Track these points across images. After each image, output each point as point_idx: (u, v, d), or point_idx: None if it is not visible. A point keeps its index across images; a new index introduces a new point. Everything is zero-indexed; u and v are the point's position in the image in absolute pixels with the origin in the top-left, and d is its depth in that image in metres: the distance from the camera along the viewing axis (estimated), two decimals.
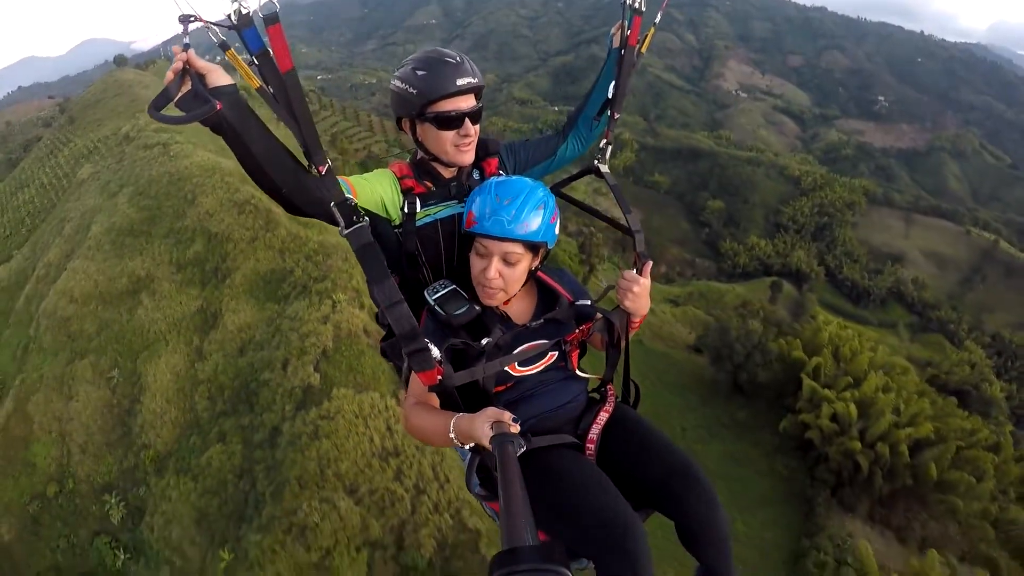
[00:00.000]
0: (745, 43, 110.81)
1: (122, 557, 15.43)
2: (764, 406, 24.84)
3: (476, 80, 1.76)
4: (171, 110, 1.23)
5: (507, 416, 1.43)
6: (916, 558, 19.29)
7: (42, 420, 18.37)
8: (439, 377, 1.57)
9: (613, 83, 2.00)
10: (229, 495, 15.20)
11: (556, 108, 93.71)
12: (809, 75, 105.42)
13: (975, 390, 41.05)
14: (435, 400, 1.67)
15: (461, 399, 1.62)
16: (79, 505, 16.71)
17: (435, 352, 1.53)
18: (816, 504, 20.78)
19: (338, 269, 20.06)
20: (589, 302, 1.88)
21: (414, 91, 1.72)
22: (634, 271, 1.83)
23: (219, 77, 1.31)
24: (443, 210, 1.86)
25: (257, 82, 1.32)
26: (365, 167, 49.39)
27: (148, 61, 72.75)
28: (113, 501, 16.30)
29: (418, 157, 1.90)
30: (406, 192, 1.81)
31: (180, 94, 1.28)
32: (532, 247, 1.71)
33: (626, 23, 1.93)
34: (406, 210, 1.79)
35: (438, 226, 1.84)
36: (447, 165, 1.86)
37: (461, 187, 1.88)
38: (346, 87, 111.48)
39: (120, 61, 67.45)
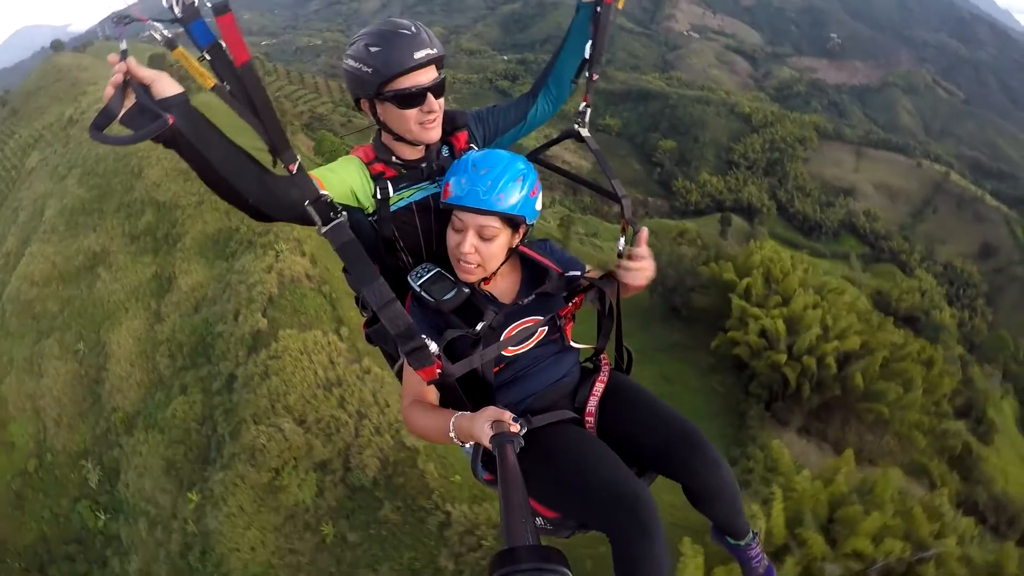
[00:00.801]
0: None
1: (103, 518, 16.80)
2: (701, 329, 24.69)
3: (435, 51, 1.68)
4: (116, 128, 1.14)
5: (507, 416, 1.43)
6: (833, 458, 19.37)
7: (16, 400, 19.99)
8: (438, 371, 1.55)
9: (590, 43, 1.95)
10: (193, 442, 16.61)
11: (506, 57, 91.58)
12: (762, 14, 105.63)
13: (925, 316, 42.12)
14: (432, 396, 1.68)
15: (461, 388, 1.61)
16: (59, 475, 18.12)
17: (433, 347, 1.51)
18: (748, 418, 20.74)
19: (279, 223, 21.82)
20: (579, 272, 1.86)
21: (369, 70, 1.64)
22: (632, 247, 1.81)
23: (166, 86, 1.21)
24: (416, 192, 1.81)
25: (211, 80, 1.21)
26: (311, 128, 49.19)
27: (85, 43, 73.19)
28: (90, 466, 17.71)
29: (382, 138, 1.83)
30: (376, 177, 1.76)
31: (124, 110, 1.17)
32: (510, 222, 1.68)
33: None
34: (378, 196, 1.74)
35: (413, 209, 1.79)
36: (413, 144, 1.80)
37: (432, 166, 1.83)
38: (291, 51, 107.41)
39: (57, 46, 66.62)
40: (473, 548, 14.17)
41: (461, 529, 14.13)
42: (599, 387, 1.88)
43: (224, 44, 1.18)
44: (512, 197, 1.63)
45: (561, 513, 1.83)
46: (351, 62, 1.68)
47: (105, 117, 1.14)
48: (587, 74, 1.99)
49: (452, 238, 1.70)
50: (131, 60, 1.16)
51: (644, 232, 1.84)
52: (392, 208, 1.76)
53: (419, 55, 1.63)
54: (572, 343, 1.89)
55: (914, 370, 23.16)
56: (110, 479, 17.50)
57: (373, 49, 1.63)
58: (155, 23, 1.12)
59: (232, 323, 18.30)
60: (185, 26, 1.14)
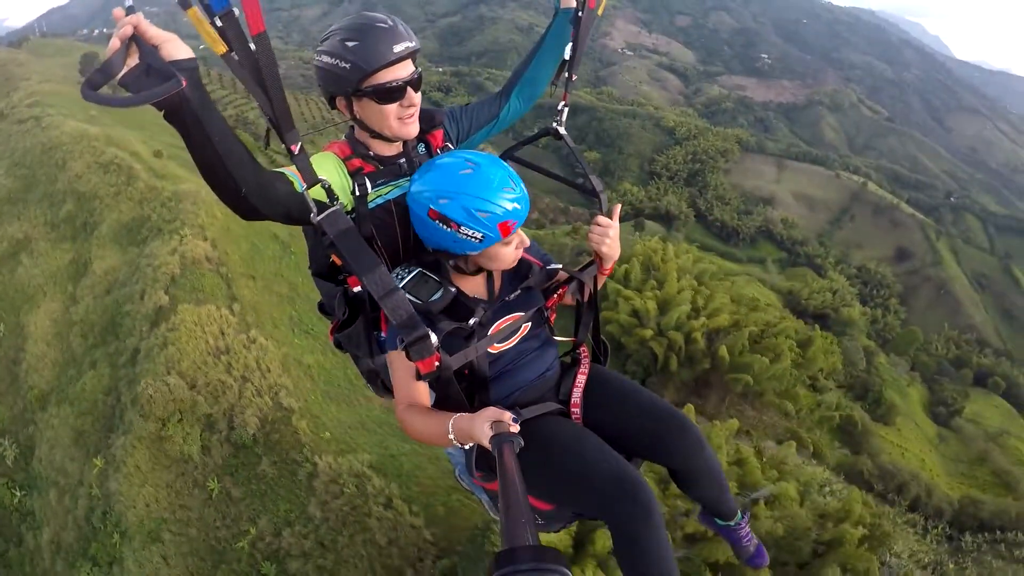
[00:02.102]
0: (634, 3, 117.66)
1: (18, 495, 18.03)
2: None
3: (413, 44, 1.74)
4: (111, 90, 1.11)
5: (507, 416, 1.52)
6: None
7: None
8: (436, 363, 1.63)
9: (570, 45, 2.07)
10: (100, 412, 18.37)
11: (441, 69, 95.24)
12: (696, 35, 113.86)
13: (834, 312, 45.98)
14: (425, 399, 1.78)
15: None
16: None
17: (434, 338, 1.59)
18: None
19: (187, 211, 24.40)
20: (557, 265, 2.02)
21: (347, 65, 1.68)
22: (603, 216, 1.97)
23: (177, 48, 1.18)
24: (395, 190, 1.85)
25: (223, 47, 1.21)
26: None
27: (21, 38, 73.85)
28: (7, 443, 18.96)
29: (357, 135, 1.87)
30: (354, 173, 1.80)
31: (126, 69, 1.13)
32: None
33: None
34: (357, 192, 1.77)
35: (392, 207, 1.83)
36: (391, 141, 1.86)
37: (411, 163, 1.89)
38: None
39: None
40: (336, 496, 15.75)
41: (326, 479, 15.91)
42: (581, 378, 2.00)
43: (237, 12, 1.17)
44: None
45: (557, 504, 1.95)
46: (326, 58, 1.70)
47: (103, 74, 1.08)
48: (566, 75, 2.10)
49: (511, 254, 1.78)
50: (140, 16, 1.12)
51: (617, 207, 1.99)
52: (370, 205, 1.78)
53: (398, 48, 1.67)
54: (556, 337, 2.04)
55: (783, 344, 25.97)
56: (25, 457, 18.86)
57: (350, 44, 1.65)
58: None
59: (138, 302, 20.39)
60: None
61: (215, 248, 22.92)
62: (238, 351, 18.70)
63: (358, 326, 1.95)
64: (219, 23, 1.20)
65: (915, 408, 43.11)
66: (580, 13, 2.03)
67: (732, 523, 2.24)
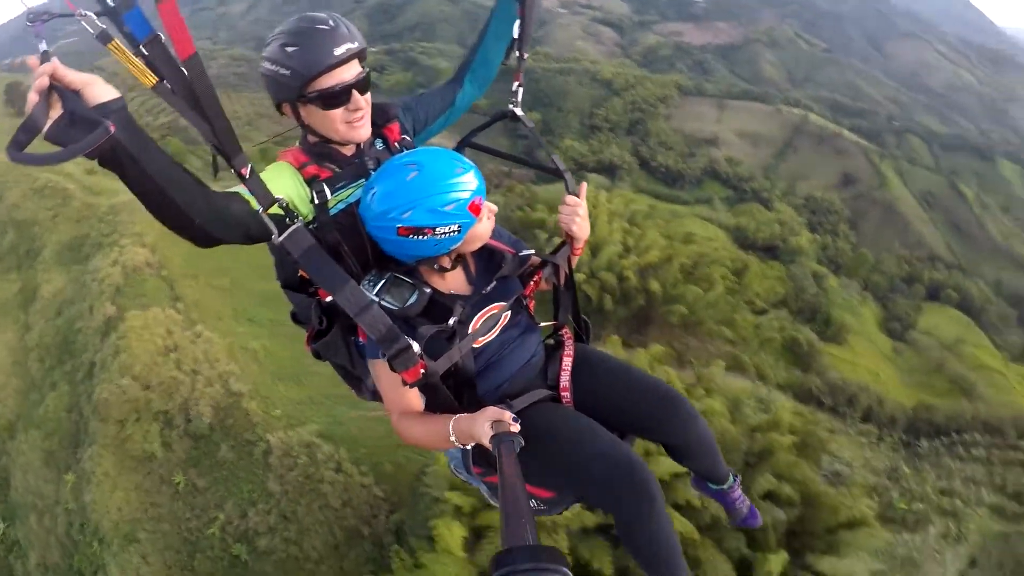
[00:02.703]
0: None
1: (2, 527, 18.77)
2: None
3: (356, 44, 1.72)
4: (39, 147, 1.05)
5: (507, 416, 1.53)
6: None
7: None
8: (422, 371, 1.63)
9: (518, 23, 2.06)
10: (66, 430, 19.34)
11: (375, 49, 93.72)
12: None
13: (783, 243, 47.34)
14: (417, 404, 1.78)
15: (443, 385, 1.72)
16: None
17: (416, 347, 1.60)
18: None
19: (124, 222, 25.54)
20: (530, 251, 2.05)
21: (287, 72, 1.65)
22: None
23: (101, 91, 1.13)
24: (355, 191, 1.84)
25: (152, 79, 1.15)
26: (163, 141, 48.38)
27: None
28: None
29: (309, 140, 1.85)
30: (311, 181, 1.76)
31: (50, 122, 1.07)
32: None
33: None
34: (316, 201, 1.74)
35: (355, 211, 1.81)
36: (342, 144, 1.84)
37: (367, 162, 1.88)
38: None
39: None
40: (291, 468, 17.06)
41: (280, 453, 17.10)
42: (567, 361, 2.03)
43: (165, 35, 1.12)
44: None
45: (557, 491, 1.97)
46: (268, 65, 1.68)
47: (28, 132, 1.03)
48: (517, 54, 2.12)
49: (487, 226, 1.85)
50: (56, 62, 1.04)
51: (583, 185, 2.10)
52: (331, 212, 1.76)
53: (339, 51, 1.65)
54: (537, 323, 2.07)
55: (716, 273, 26.82)
56: (3, 488, 19.64)
57: (290, 49, 1.63)
58: (86, 13, 1.04)
59: (88, 317, 21.58)
60: (120, 15, 1.07)
61: (155, 253, 24.19)
62: (186, 347, 19.91)
63: (335, 334, 1.93)
64: (145, 52, 1.14)
65: (869, 326, 44.96)
66: None
67: (725, 487, 2.29)
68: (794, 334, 31.32)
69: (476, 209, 1.73)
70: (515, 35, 2.11)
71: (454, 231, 1.72)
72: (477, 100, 2.27)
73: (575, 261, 2.14)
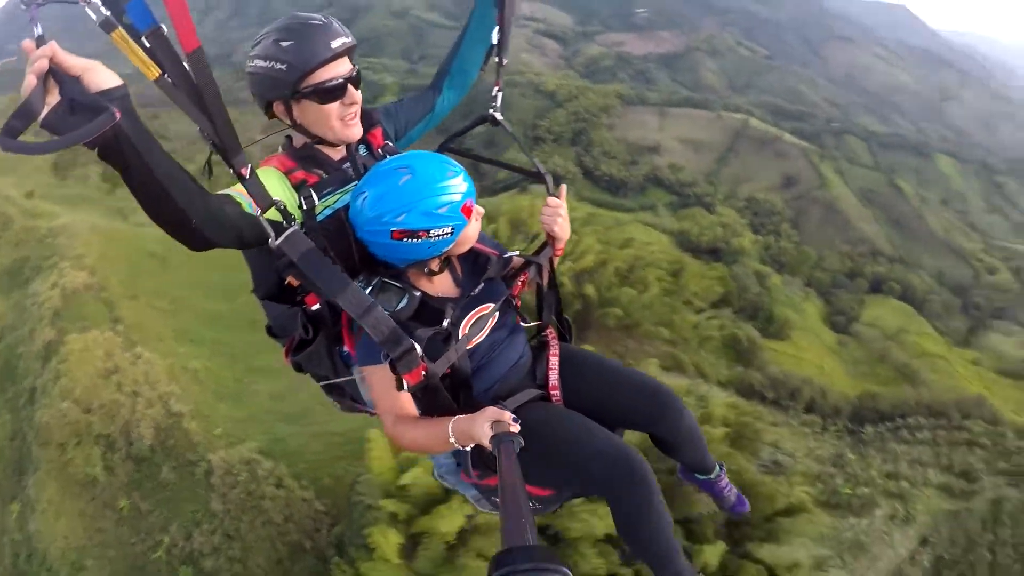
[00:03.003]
0: None
1: None
2: None
3: (350, 39, 1.75)
4: (33, 135, 0.99)
5: (507, 416, 1.55)
6: None
7: None
8: (423, 373, 1.65)
9: (497, 29, 2.13)
10: (9, 458, 19.25)
11: None
12: None
13: (726, 244, 48.67)
14: (412, 409, 1.79)
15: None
16: None
17: (418, 349, 1.62)
18: None
19: (63, 245, 25.59)
20: (513, 252, 2.10)
21: (283, 66, 1.65)
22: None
23: (102, 76, 1.08)
24: (343, 196, 1.86)
25: (156, 71, 1.11)
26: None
27: None
28: None
29: (295, 143, 1.86)
30: (298, 187, 1.77)
31: (47, 109, 1.03)
32: None
33: None
34: (304, 206, 1.74)
35: (342, 216, 1.82)
36: (333, 144, 1.86)
37: (356, 166, 1.90)
38: None
39: None
40: (233, 486, 17.17)
41: (221, 472, 17.26)
42: (554, 360, 2.09)
43: (165, 28, 1.10)
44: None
45: (556, 488, 2.02)
46: (260, 62, 1.68)
47: (23, 118, 0.98)
48: (496, 59, 2.20)
49: (476, 227, 1.89)
50: (54, 45, 0.99)
51: (563, 187, 2.16)
52: (318, 218, 1.77)
53: (336, 44, 1.69)
54: (523, 323, 2.11)
55: (651, 275, 27.44)
56: None
57: (285, 44, 1.64)
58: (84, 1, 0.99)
59: (29, 342, 21.67)
60: (121, 4, 1.04)
61: (94, 275, 24.16)
62: (126, 369, 19.95)
63: (319, 345, 1.93)
64: (147, 43, 1.10)
65: (813, 321, 46.44)
66: None
67: (712, 476, 2.38)
68: (735, 331, 32.18)
69: (468, 211, 1.77)
70: (494, 41, 2.18)
71: (447, 233, 1.75)
72: (455, 106, 2.33)
73: (556, 261, 2.20)
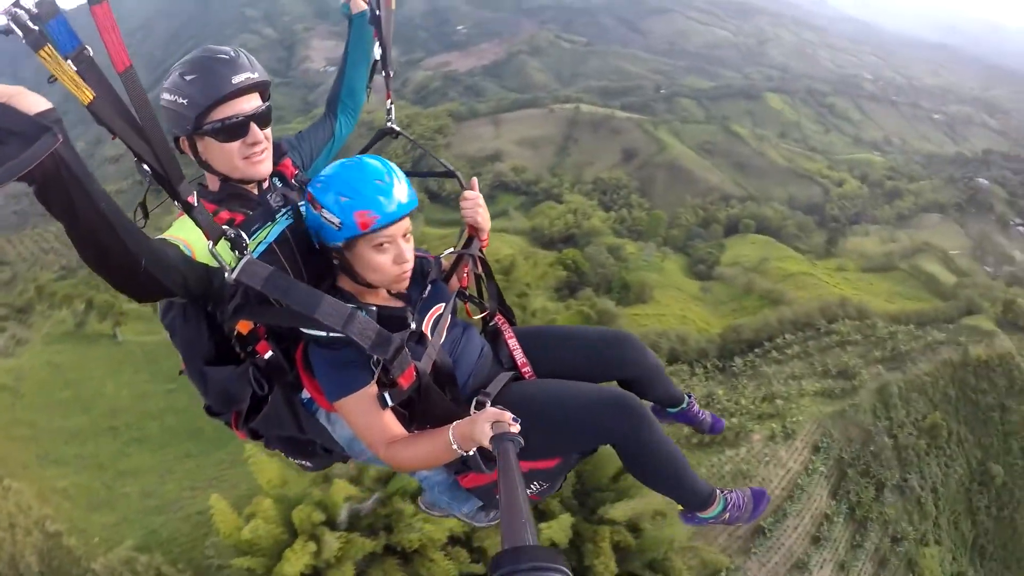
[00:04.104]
0: (324, 19, 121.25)
1: None
2: None
3: (257, 75, 1.68)
4: None
5: (507, 416, 1.54)
6: None
7: None
8: (415, 373, 1.68)
9: (377, 44, 2.22)
10: None
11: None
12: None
13: (578, 228, 51.96)
14: (399, 430, 1.78)
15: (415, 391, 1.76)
16: None
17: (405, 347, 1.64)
18: None
19: None
20: (447, 251, 2.14)
21: (184, 101, 1.61)
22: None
23: (31, 100, 1.00)
24: (272, 229, 1.80)
25: (89, 94, 1.04)
26: None
27: None
28: None
29: (210, 187, 1.79)
30: (227, 227, 1.65)
31: None
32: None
33: None
34: (237, 246, 1.62)
35: (275, 248, 1.78)
36: (243, 182, 1.78)
37: (277, 198, 1.85)
38: None
39: None
40: None
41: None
42: (513, 341, 2.16)
43: (90, 49, 1.04)
44: (409, 189, 1.79)
45: (562, 454, 2.10)
46: (166, 96, 1.65)
47: None
48: (383, 73, 2.30)
49: (383, 259, 1.77)
50: None
51: (474, 180, 2.18)
52: (255, 254, 1.72)
53: (238, 79, 1.64)
54: (474, 317, 2.19)
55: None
56: None
57: (188, 78, 1.62)
58: (14, 10, 0.93)
59: None
60: (44, 23, 0.96)
61: None
62: None
63: (276, 399, 1.87)
64: (74, 65, 1.04)
65: (675, 277, 50.00)
66: (378, 12, 2.26)
67: (684, 406, 2.52)
68: (582, 308, 34.60)
69: (364, 222, 1.74)
70: (376, 56, 2.31)
71: (334, 223, 1.74)
72: (353, 128, 2.40)
73: (483, 249, 2.25)
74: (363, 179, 1.72)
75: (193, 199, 1.34)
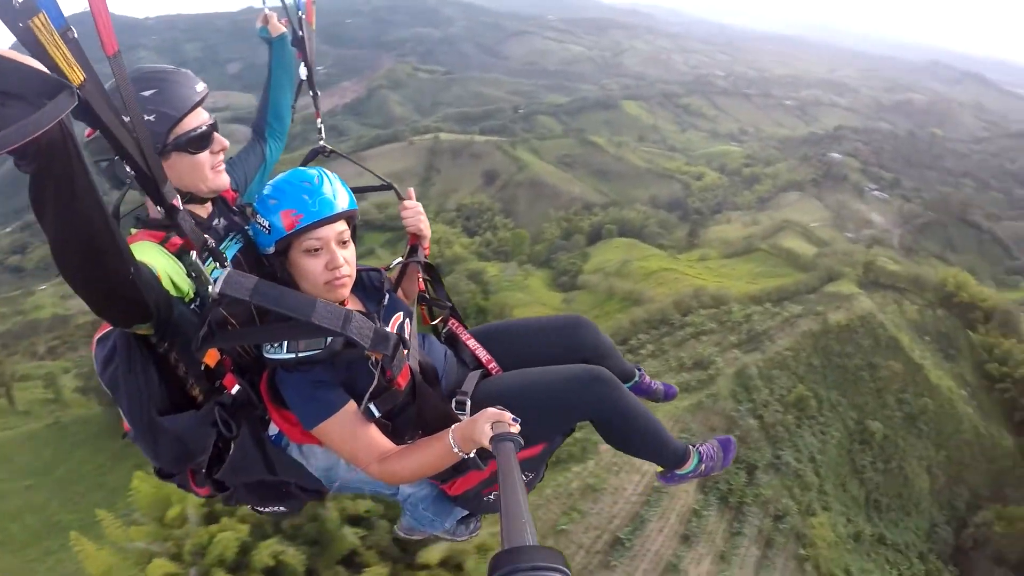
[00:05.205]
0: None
1: None
2: None
3: (204, 85, 1.70)
4: None
5: (507, 416, 1.53)
6: None
7: None
8: (410, 370, 1.71)
9: (303, 65, 2.29)
10: None
11: None
12: (250, 77, 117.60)
13: (441, 257, 53.29)
14: (387, 443, 1.74)
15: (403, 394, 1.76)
16: None
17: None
18: None
19: None
20: (396, 261, 2.17)
21: (152, 117, 1.53)
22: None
23: (32, 63, 0.91)
24: (227, 251, 1.76)
25: (80, 74, 0.97)
26: None
27: None
28: None
29: (152, 215, 1.69)
30: (180, 254, 1.62)
31: None
32: (350, 220, 1.86)
33: (299, 11, 2.29)
34: (193, 272, 1.60)
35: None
36: (201, 200, 1.75)
37: (226, 220, 1.84)
38: None
39: None
40: None
41: None
42: (472, 341, 2.22)
43: (75, 31, 0.96)
44: (344, 192, 1.81)
45: (547, 439, 2.14)
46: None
47: None
48: (311, 93, 2.33)
49: (314, 265, 1.71)
50: None
51: (411, 189, 2.23)
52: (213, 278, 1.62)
53: (200, 87, 1.66)
54: (432, 321, 2.23)
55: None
56: None
57: (148, 92, 1.55)
58: None
59: None
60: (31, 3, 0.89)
61: None
62: None
63: (244, 440, 1.78)
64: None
65: (539, 292, 51.90)
66: (301, 32, 2.32)
67: (636, 379, 2.64)
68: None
69: (290, 222, 1.75)
70: (303, 76, 2.35)
71: (264, 226, 1.75)
72: (282, 150, 2.45)
73: (427, 253, 2.28)
74: (291, 183, 1.77)
75: (178, 202, 1.32)
